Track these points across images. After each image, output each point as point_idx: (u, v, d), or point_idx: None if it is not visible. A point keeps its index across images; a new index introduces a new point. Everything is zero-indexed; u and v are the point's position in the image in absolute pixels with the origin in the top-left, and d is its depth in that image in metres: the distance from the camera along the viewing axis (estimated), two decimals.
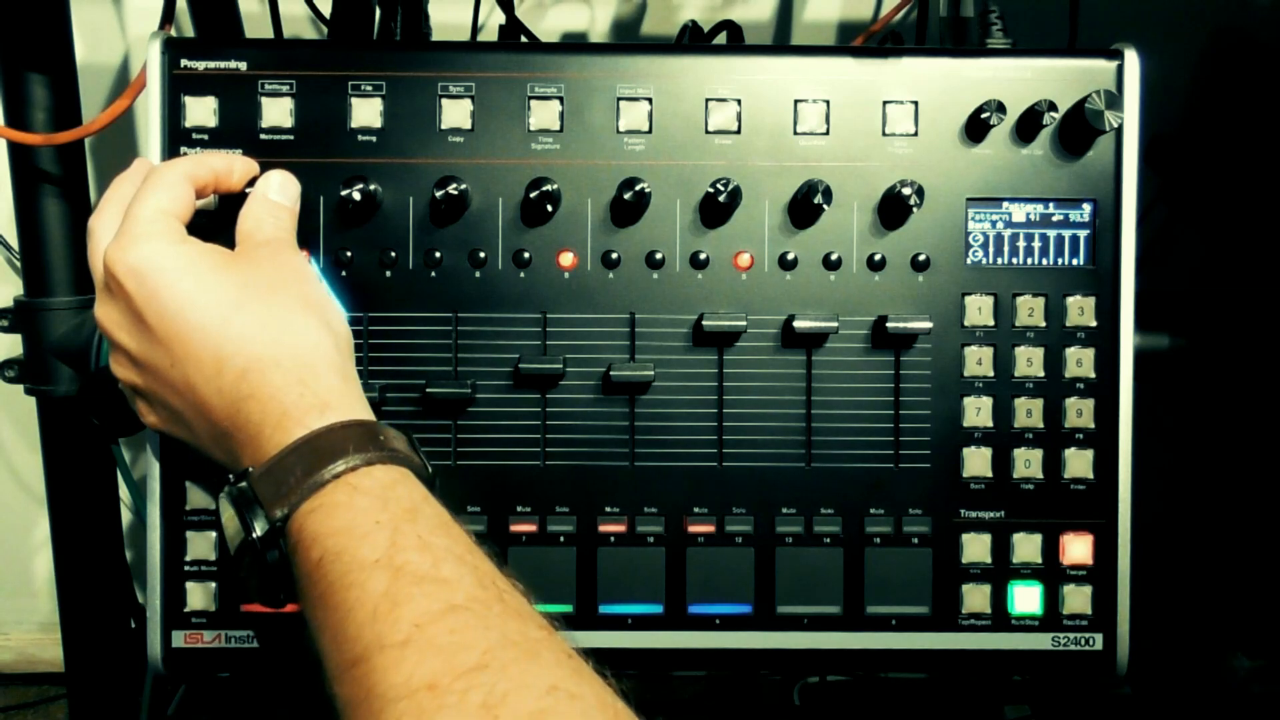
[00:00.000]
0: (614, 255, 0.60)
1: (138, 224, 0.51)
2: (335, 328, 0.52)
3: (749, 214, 0.61)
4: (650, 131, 0.60)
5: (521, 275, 0.60)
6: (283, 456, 0.46)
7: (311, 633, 0.44)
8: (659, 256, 0.60)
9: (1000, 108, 0.59)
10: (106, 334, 0.52)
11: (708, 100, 0.60)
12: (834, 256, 0.61)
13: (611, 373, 0.60)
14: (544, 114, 0.60)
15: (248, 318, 0.49)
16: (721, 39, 0.73)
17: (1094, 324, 0.61)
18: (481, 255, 0.60)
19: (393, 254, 0.60)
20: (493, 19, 0.93)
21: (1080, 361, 0.61)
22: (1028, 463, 0.61)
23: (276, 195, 0.56)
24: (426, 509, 0.45)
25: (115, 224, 0.52)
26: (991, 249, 0.61)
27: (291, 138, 0.60)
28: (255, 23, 0.92)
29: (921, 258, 0.61)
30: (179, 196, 0.52)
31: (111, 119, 0.63)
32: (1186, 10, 0.95)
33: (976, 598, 0.61)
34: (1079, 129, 0.60)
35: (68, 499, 0.75)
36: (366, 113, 0.60)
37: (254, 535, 0.45)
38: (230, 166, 0.56)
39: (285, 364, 0.48)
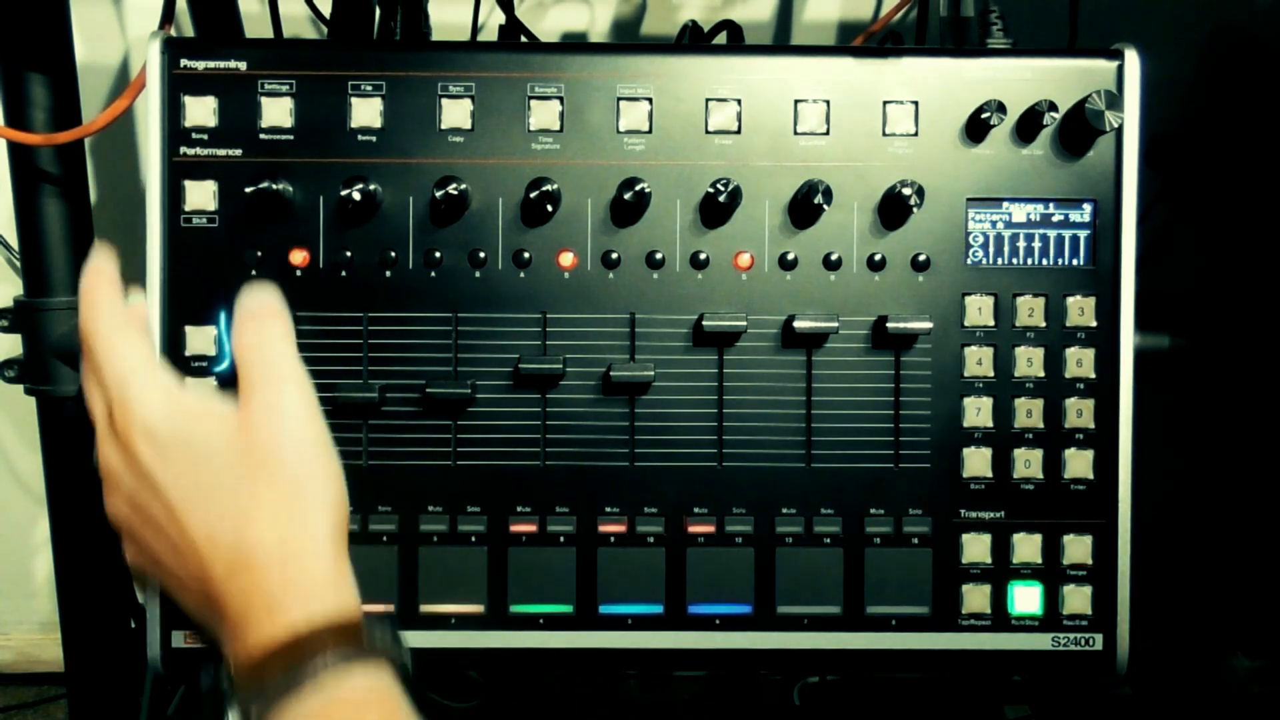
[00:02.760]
0: (614, 255, 0.60)
1: (137, 380, 0.49)
2: (329, 498, 0.49)
3: (749, 214, 0.61)
4: (650, 131, 0.60)
5: (521, 275, 0.60)
6: (267, 656, 0.45)
7: None
8: (659, 256, 0.60)
9: (1000, 108, 0.59)
10: (107, 473, 0.51)
11: (708, 100, 0.60)
12: (834, 256, 0.61)
13: (611, 373, 0.60)
14: (544, 114, 0.60)
15: (251, 500, 0.47)
16: (721, 39, 0.73)
17: (1094, 324, 0.61)
18: (481, 255, 0.60)
19: (393, 254, 0.60)
20: (493, 19, 0.93)
21: (1080, 361, 0.61)
22: (1028, 463, 0.61)
23: (257, 309, 0.52)
24: (403, 715, 0.45)
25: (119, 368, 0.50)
26: (992, 249, 0.61)
27: (291, 138, 0.60)
28: (255, 23, 0.92)
29: (922, 258, 0.61)
30: (145, 340, 0.51)
31: (111, 119, 0.63)
32: (1186, 10, 0.95)
33: (976, 598, 0.61)
34: (1079, 129, 0.60)
35: (68, 499, 0.75)
36: (366, 113, 0.60)
37: None
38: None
39: (278, 552, 0.47)
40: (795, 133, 0.61)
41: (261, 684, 0.44)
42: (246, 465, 0.48)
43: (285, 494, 0.48)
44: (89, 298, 0.52)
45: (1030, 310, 0.61)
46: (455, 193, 0.59)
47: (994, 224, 0.61)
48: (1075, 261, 0.61)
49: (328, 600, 0.46)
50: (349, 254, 0.60)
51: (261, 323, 0.51)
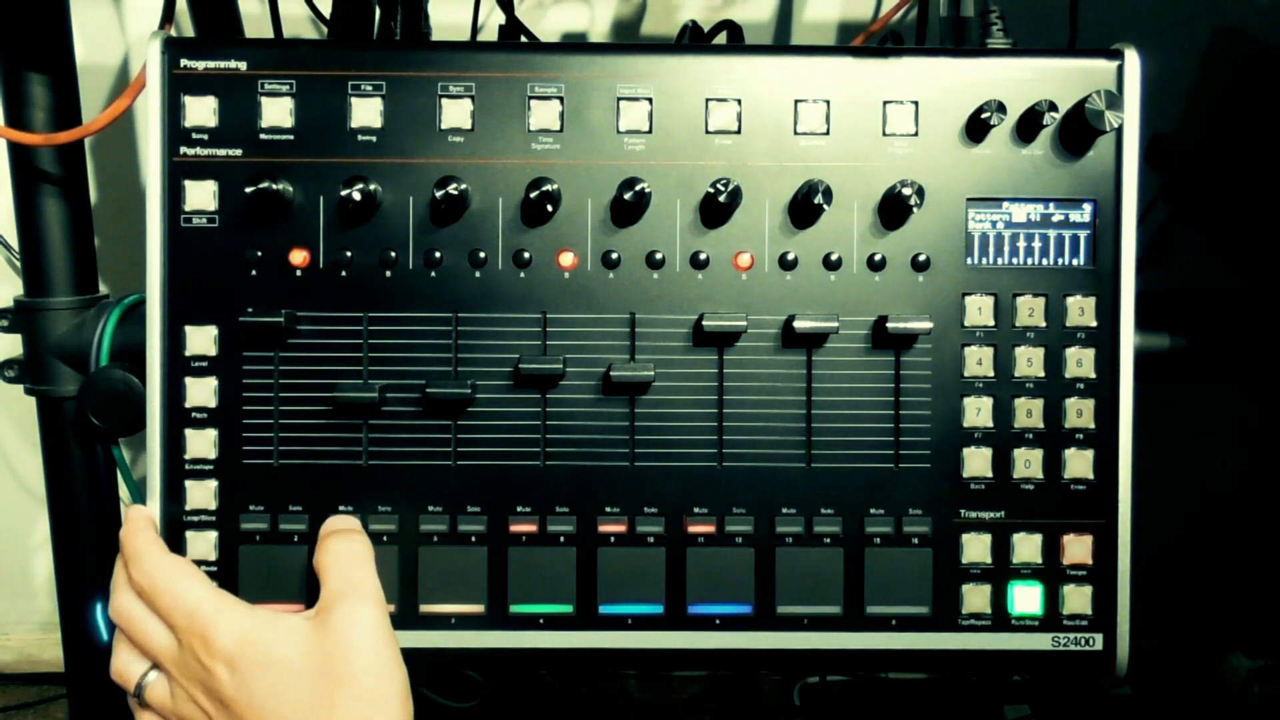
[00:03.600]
0: (614, 255, 0.60)
1: (209, 606, 0.53)
2: (405, 710, 0.52)
3: (749, 214, 0.61)
4: (650, 131, 0.60)
5: (521, 275, 0.60)
6: None
7: None
8: (659, 256, 0.60)
9: (1000, 108, 0.59)
10: (179, 713, 0.54)
11: (708, 100, 0.60)
12: (834, 256, 0.61)
13: (611, 373, 0.60)
14: (544, 114, 0.60)
15: (320, 714, 0.50)
16: (721, 39, 0.73)
17: (1094, 324, 0.61)
18: (481, 255, 0.60)
19: (393, 254, 0.60)
20: (493, 19, 0.93)
21: (1080, 361, 0.61)
22: (1028, 463, 0.61)
23: (343, 525, 0.59)
24: None
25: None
26: (991, 249, 0.61)
27: (291, 138, 0.60)
28: (255, 23, 0.92)
29: (921, 258, 0.61)
30: (203, 576, 0.56)
31: (111, 119, 0.64)
32: (1186, 10, 0.95)
33: (976, 598, 0.61)
34: (1079, 129, 0.60)
35: (68, 499, 0.75)
36: (366, 113, 0.60)
37: None
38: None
39: None
40: (795, 133, 0.61)
41: None
42: (326, 679, 0.51)
43: (364, 708, 0.51)
44: (139, 550, 0.56)
45: (1030, 310, 0.61)
46: (455, 193, 0.59)
47: (994, 224, 0.61)
48: (1075, 261, 0.61)
49: None
50: (349, 254, 0.60)
51: (348, 538, 0.56)
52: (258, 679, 0.51)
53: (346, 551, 0.56)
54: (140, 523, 0.58)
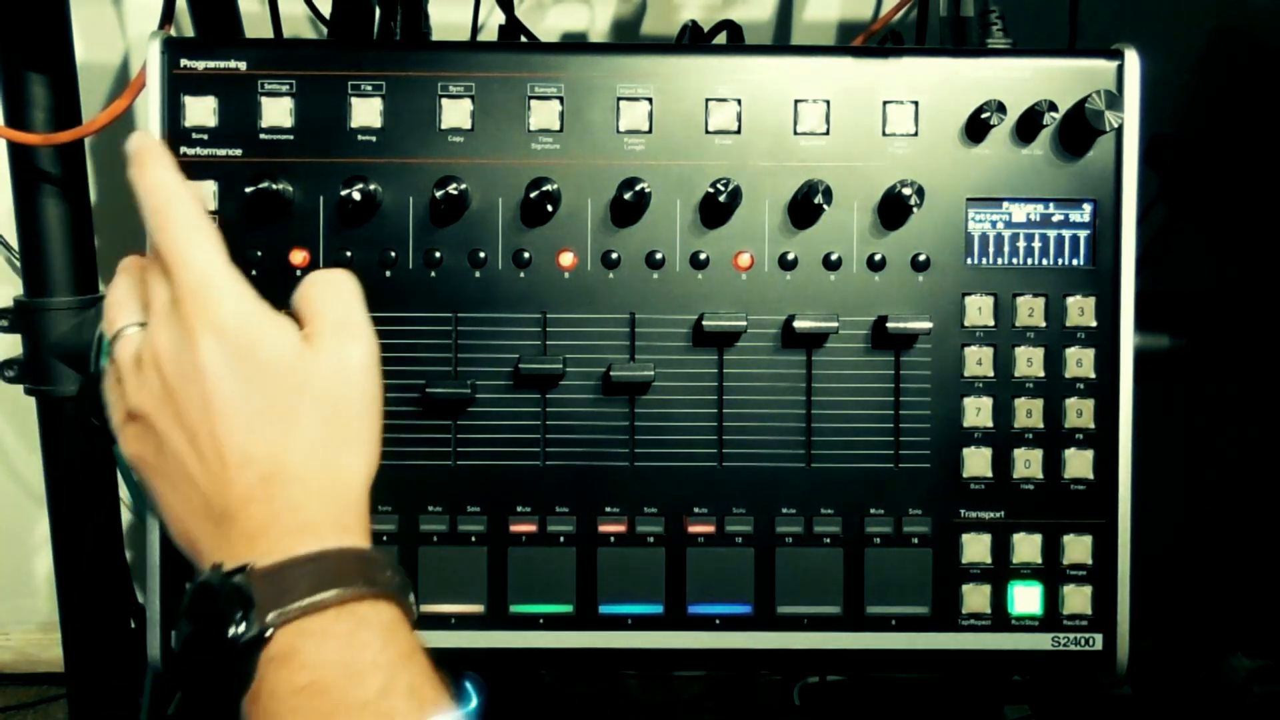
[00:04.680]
0: (614, 255, 0.60)
1: (219, 276, 0.48)
2: (373, 449, 0.49)
3: (749, 214, 0.61)
4: (650, 131, 0.60)
5: (521, 275, 0.60)
6: (292, 563, 0.43)
7: None
8: (659, 256, 0.60)
9: (1000, 108, 0.59)
10: (150, 354, 0.48)
11: (708, 100, 0.60)
12: (834, 256, 0.61)
13: (611, 373, 0.60)
14: (544, 114, 0.60)
15: (295, 427, 0.47)
16: (721, 39, 0.73)
17: (1094, 324, 0.61)
18: (481, 255, 0.60)
19: (393, 254, 0.60)
20: (493, 19, 0.93)
21: (1080, 361, 0.61)
22: (1028, 463, 0.61)
23: (334, 271, 0.53)
24: (419, 656, 0.44)
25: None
26: (991, 249, 0.61)
27: (291, 138, 0.60)
28: (255, 23, 0.92)
29: (921, 258, 0.61)
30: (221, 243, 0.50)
31: (111, 119, 0.64)
32: (1186, 10, 0.95)
33: (976, 598, 0.61)
34: (1079, 129, 0.60)
35: (68, 499, 0.75)
36: (366, 113, 0.60)
37: (236, 634, 0.42)
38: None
39: (313, 482, 0.46)
40: (795, 133, 0.61)
41: (285, 592, 0.43)
42: (302, 393, 0.47)
43: (335, 430, 0.48)
44: (157, 176, 0.50)
45: (1030, 310, 0.61)
46: (455, 193, 0.59)
47: (994, 224, 0.61)
48: (1075, 261, 0.61)
49: (358, 538, 0.46)
50: (349, 254, 0.60)
51: (346, 278, 0.52)
52: (238, 361, 0.46)
53: (344, 288, 0.51)
54: (148, 141, 0.51)
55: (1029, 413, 0.61)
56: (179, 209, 0.49)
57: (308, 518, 0.45)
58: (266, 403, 0.47)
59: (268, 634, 0.42)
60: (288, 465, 0.46)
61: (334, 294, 0.51)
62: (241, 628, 0.42)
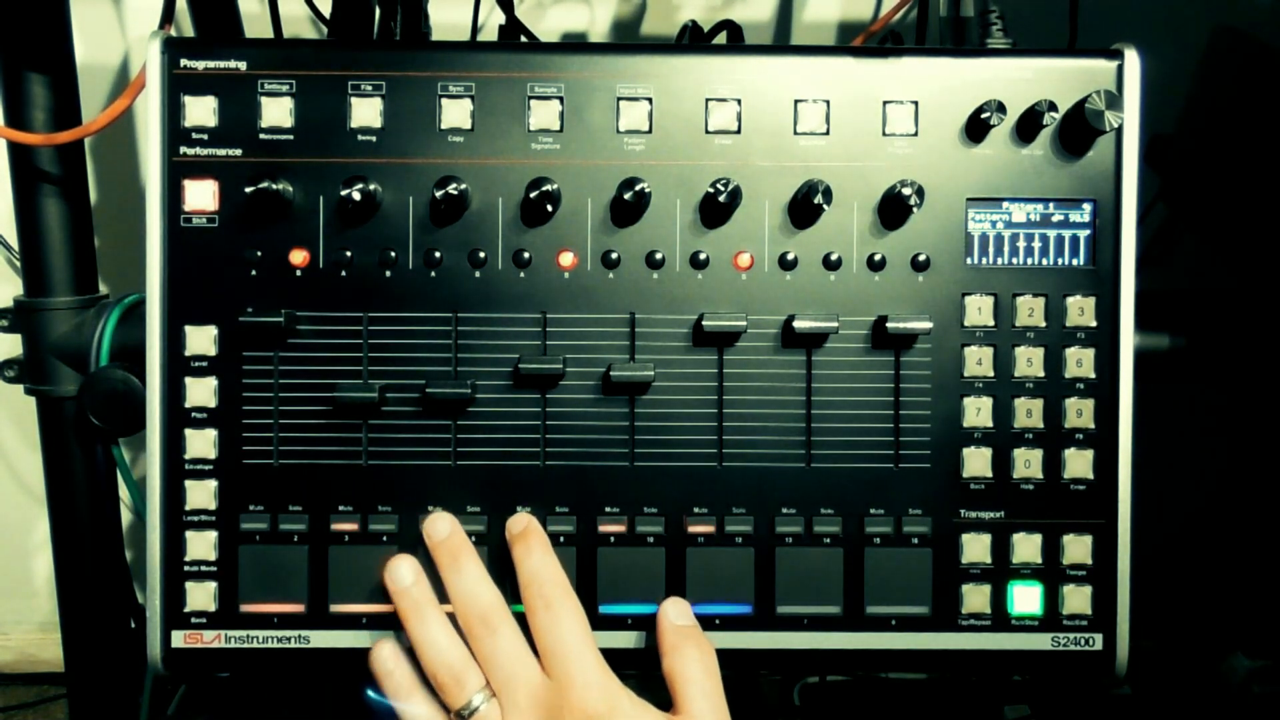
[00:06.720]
0: (614, 255, 0.60)
1: (593, 663, 0.55)
2: None
3: (749, 214, 0.61)
4: (650, 131, 0.60)
5: (521, 275, 0.60)
6: None
7: None
8: (659, 256, 0.60)
9: (1000, 108, 0.59)
10: None
11: (708, 100, 0.60)
12: (834, 256, 0.61)
13: (611, 373, 0.60)
14: (544, 114, 0.60)
15: None
16: (721, 39, 0.73)
17: (1094, 324, 0.61)
18: (481, 255, 0.60)
19: (393, 254, 0.60)
20: (493, 19, 0.93)
21: (1080, 361, 0.61)
22: (1028, 463, 0.61)
23: (686, 621, 0.59)
24: None
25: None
26: (991, 249, 0.61)
27: (291, 138, 0.60)
28: (255, 23, 0.93)
29: (921, 258, 0.61)
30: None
31: (111, 119, 0.64)
32: (1186, 10, 0.94)
33: (976, 598, 0.61)
34: (1079, 129, 0.60)
35: (68, 499, 0.75)
36: (366, 112, 0.60)
37: None
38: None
39: None
40: (795, 133, 0.61)
41: None
42: None
43: None
44: (548, 569, 0.57)
45: (1030, 310, 0.61)
46: (455, 193, 0.59)
47: (994, 224, 0.61)
48: (1075, 261, 0.61)
49: None
50: (349, 254, 0.60)
51: (707, 651, 0.57)
52: None
53: (711, 667, 0.57)
54: (540, 536, 0.59)
55: (1029, 413, 0.61)
56: (551, 563, 0.57)
57: None
58: None
59: None
60: None
61: (704, 671, 0.56)
62: None
